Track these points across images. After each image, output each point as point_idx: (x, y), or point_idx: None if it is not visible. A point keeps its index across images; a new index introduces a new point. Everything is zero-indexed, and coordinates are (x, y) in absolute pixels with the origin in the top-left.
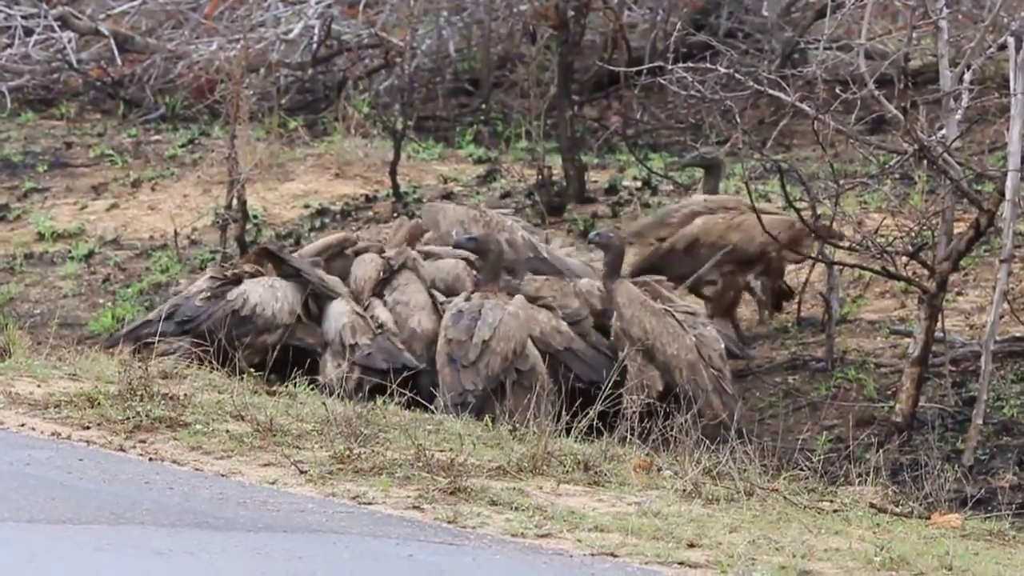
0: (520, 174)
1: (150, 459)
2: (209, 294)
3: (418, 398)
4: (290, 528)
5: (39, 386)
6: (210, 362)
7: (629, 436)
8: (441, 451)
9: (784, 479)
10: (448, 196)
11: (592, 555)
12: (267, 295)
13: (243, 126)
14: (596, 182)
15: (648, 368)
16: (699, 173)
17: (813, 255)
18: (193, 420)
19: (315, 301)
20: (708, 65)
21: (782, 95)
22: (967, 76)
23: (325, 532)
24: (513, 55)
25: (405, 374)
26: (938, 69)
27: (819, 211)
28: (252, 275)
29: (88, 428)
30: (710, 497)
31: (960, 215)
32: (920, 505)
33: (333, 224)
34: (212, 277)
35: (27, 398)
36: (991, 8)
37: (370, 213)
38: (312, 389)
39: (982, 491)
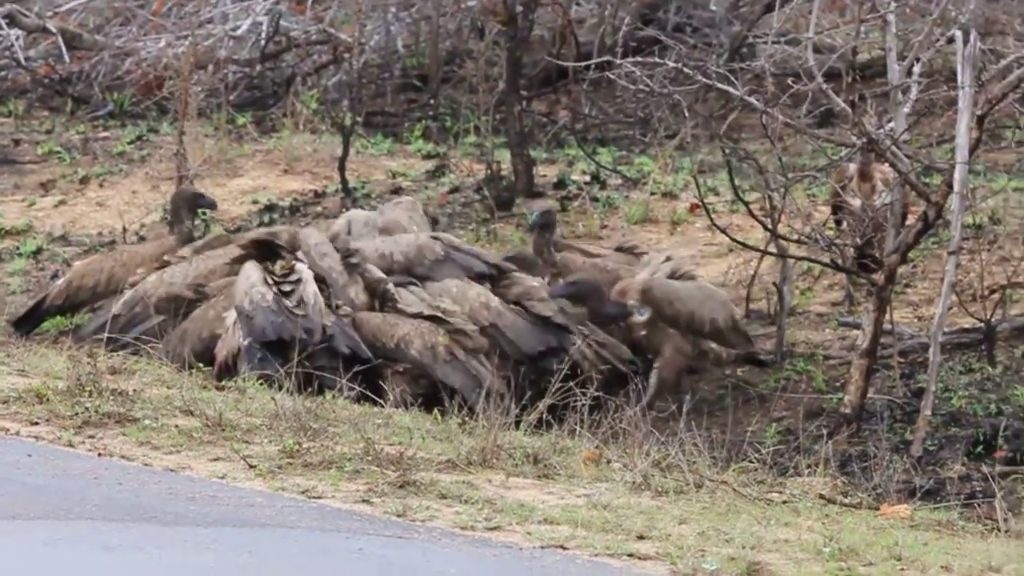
0: (469, 169)
1: (99, 454)
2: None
3: (367, 392)
4: (239, 522)
5: None
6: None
7: (578, 428)
8: (390, 445)
9: (733, 471)
10: (397, 191)
11: (541, 547)
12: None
13: (191, 122)
14: (545, 176)
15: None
16: (648, 166)
17: (762, 249)
18: (142, 415)
19: None
20: (656, 59)
21: (731, 89)
22: (916, 69)
23: (274, 526)
24: (461, 51)
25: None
26: (886, 62)
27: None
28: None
29: (37, 424)
30: (659, 489)
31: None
32: (869, 496)
33: (282, 220)
34: None
35: None
36: (939, 2)
37: (319, 209)
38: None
39: (931, 482)
